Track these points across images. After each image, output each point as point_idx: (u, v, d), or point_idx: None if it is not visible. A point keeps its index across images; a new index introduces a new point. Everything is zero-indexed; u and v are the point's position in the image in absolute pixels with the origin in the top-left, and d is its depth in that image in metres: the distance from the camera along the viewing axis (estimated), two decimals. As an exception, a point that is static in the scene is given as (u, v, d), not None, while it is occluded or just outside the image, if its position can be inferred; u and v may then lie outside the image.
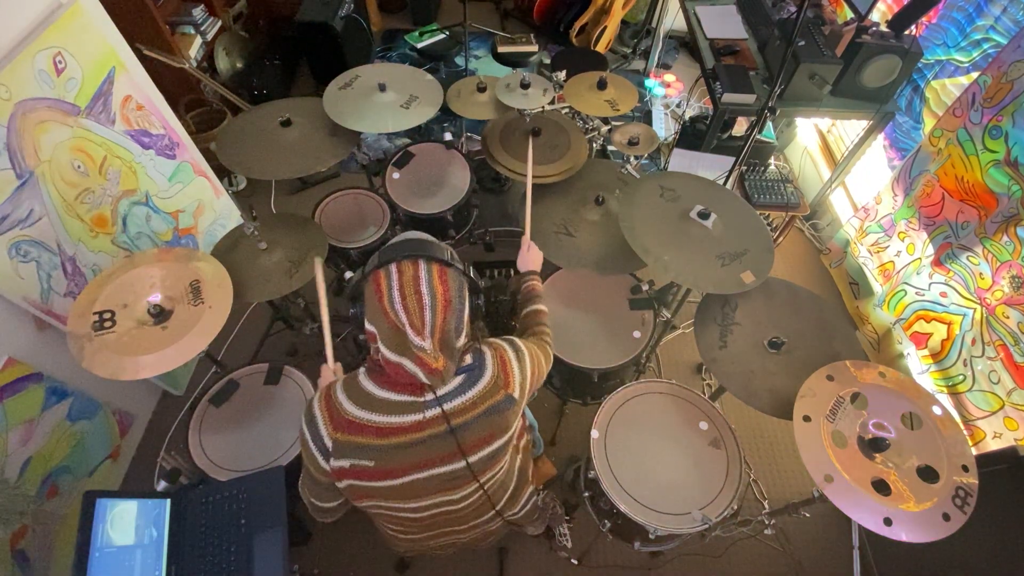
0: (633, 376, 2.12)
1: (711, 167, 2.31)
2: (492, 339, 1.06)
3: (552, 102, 2.15)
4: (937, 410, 1.30)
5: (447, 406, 0.94)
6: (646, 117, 3.52)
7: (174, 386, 2.25)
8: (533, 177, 1.88)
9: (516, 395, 1.00)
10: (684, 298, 2.11)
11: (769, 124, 2.56)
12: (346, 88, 1.93)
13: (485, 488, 1.05)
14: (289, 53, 3.46)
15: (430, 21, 3.99)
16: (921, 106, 2.30)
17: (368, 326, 0.93)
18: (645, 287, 1.87)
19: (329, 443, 0.94)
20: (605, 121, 2.50)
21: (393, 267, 0.90)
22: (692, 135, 2.59)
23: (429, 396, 0.93)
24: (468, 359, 0.98)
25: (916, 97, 2.32)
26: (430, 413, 0.94)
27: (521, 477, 1.24)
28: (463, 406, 0.95)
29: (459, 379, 0.96)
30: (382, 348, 0.91)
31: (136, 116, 1.99)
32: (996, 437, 1.73)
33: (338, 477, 0.96)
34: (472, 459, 0.98)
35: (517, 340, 1.07)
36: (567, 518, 1.92)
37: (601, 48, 3.70)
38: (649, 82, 3.68)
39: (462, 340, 0.95)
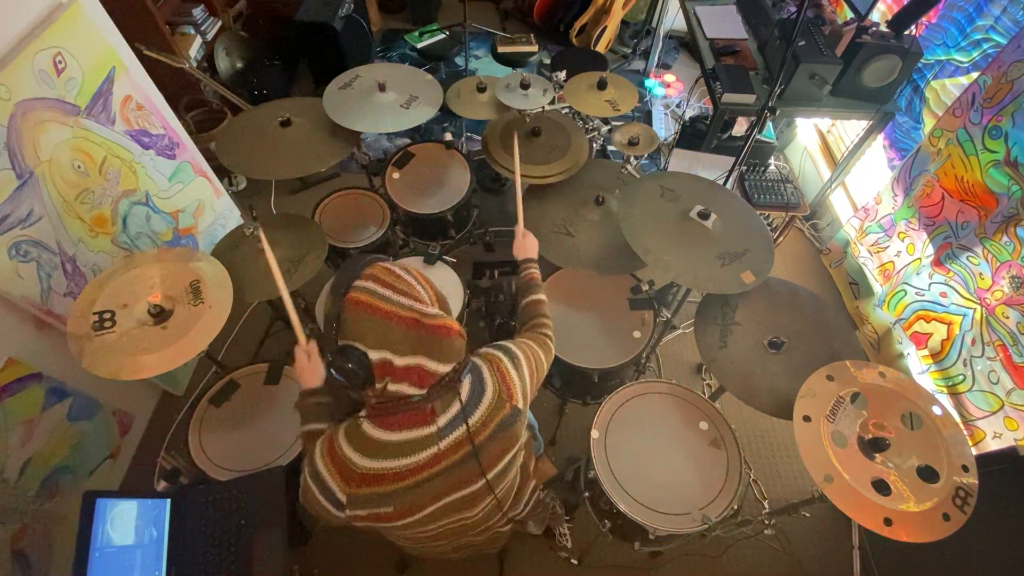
0: (633, 376, 2.12)
1: (711, 167, 2.31)
2: (484, 350, 1.03)
3: (552, 102, 2.14)
4: (937, 410, 1.30)
5: (460, 431, 0.92)
6: (646, 117, 3.52)
7: (174, 386, 2.25)
8: (536, 177, 1.89)
9: (521, 405, 1.00)
10: (684, 298, 2.11)
11: (769, 124, 2.56)
12: (346, 88, 1.93)
13: (498, 497, 1.05)
14: (289, 53, 3.46)
15: (430, 21, 3.99)
16: (921, 106, 2.30)
17: (375, 356, 0.86)
18: (645, 287, 1.87)
19: (343, 498, 0.90)
20: (605, 121, 2.50)
21: (360, 283, 0.87)
22: (692, 135, 2.59)
23: (442, 421, 0.91)
24: (466, 380, 0.96)
25: (916, 97, 2.32)
26: (445, 443, 0.92)
27: (523, 474, 1.24)
28: (474, 428, 0.93)
29: (467, 387, 0.95)
30: (398, 362, 0.86)
31: (136, 116, 1.99)
32: (996, 437, 1.73)
33: (354, 522, 0.94)
34: (490, 476, 0.98)
35: (511, 346, 1.05)
36: (567, 518, 1.91)
37: (601, 48, 3.70)
38: (649, 82, 3.69)
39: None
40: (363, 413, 0.94)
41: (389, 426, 0.90)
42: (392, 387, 0.88)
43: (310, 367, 1.16)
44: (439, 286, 0.99)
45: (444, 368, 0.90)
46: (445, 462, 0.93)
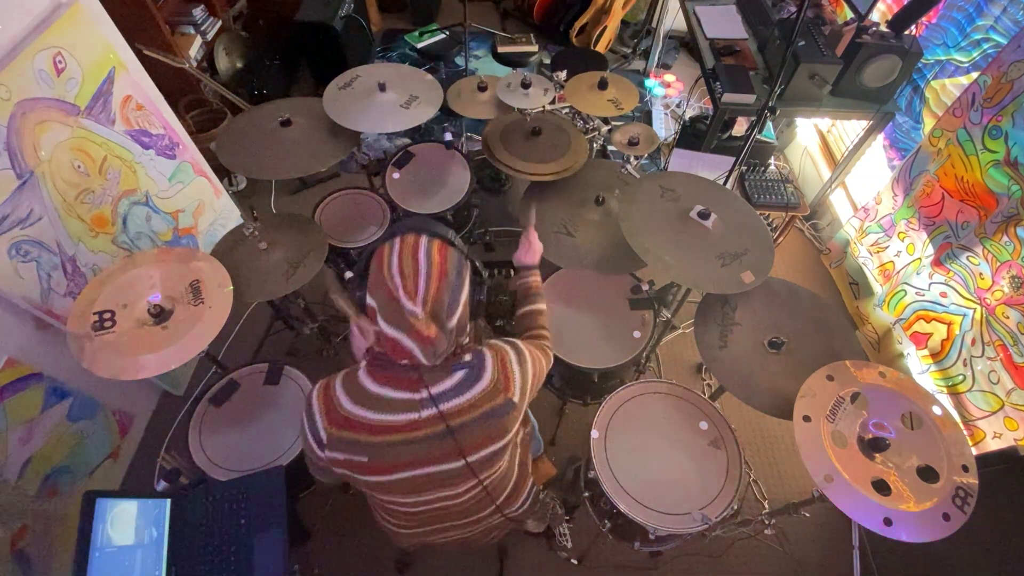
0: (633, 376, 2.12)
1: (711, 167, 2.31)
2: (493, 340, 1.05)
3: (552, 102, 2.15)
4: (937, 410, 1.30)
5: (444, 406, 0.93)
6: (646, 117, 3.52)
7: (174, 386, 2.25)
8: (536, 175, 1.89)
9: (516, 399, 0.99)
10: (684, 298, 2.11)
11: (769, 124, 2.56)
12: (346, 88, 1.93)
13: (485, 485, 1.05)
14: (289, 53, 3.46)
15: (430, 21, 3.99)
16: (921, 106, 2.30)
17: (369, 301, 0.92)
18: (645, 287, 1.87)
19: (324, 436, 0.94)
20: (605, 121, 2.50)
21: (397, 239, 0.92)
22: (692, 135, 2.59)
23: (424, 394, 0.93)
24: (467, 358, 0.97)
25: (916, 97, 2.32)
26: (426, 413, 0.93)
27: (521, 472, 1.23)
28: (460, 407, 0.94)
29: (458, 376, 0.95)
30: (381, 323, 0.90)
31: (136, 116, 1.99)
32: (996, 437, 1.73)
33: (333, 466, 0.97)
34: (471, 459, 0.98)
35: (519, 342, 1.06)
36: (567, 518, 1.92)
37: (601, 48, 3.70)
38: (649, 82, 3.69)
39: (454, 321, 0.92)
40: (366, 359, 0.98)
41: (379, 379, 0.94)
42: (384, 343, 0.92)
43: (363, 340, 1.21)
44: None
45: (422, 359, 0.91)
46: (424, 431, 0.94)
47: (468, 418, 0.95)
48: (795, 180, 2.53)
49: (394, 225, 0.97)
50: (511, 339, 1.07)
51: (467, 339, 1.00)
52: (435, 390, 0.93)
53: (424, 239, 0.91)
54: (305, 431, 0.97)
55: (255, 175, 1.84)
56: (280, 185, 3.04)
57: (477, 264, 1.02)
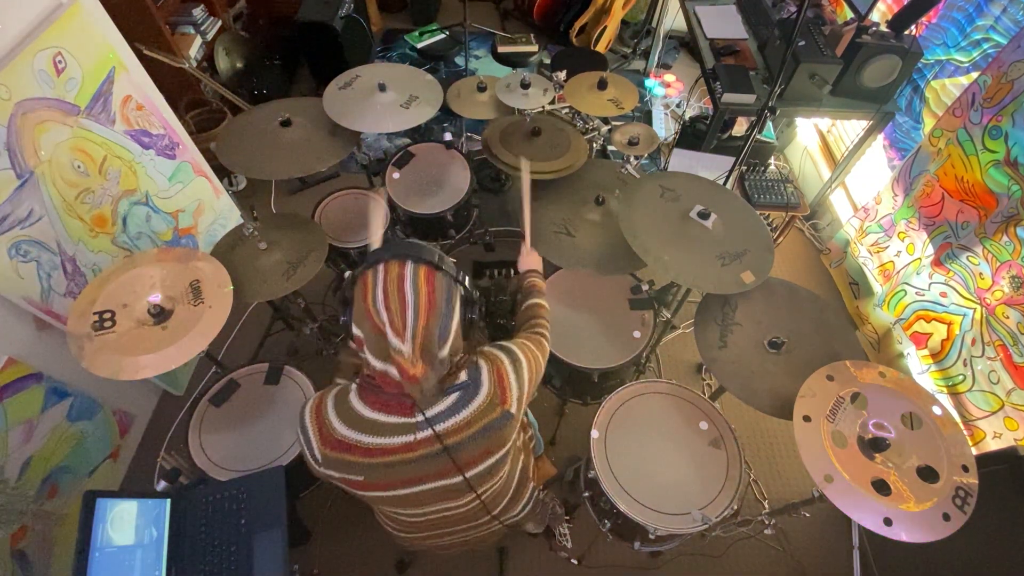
0: (633, 376, 2.12)
1: (711, 167, 2.31)
2: (488, 349, 1.02)
3: (552, 102, 2.14)
4: (937, 410, 1.30)
5: (439, 427, 0.91)
6: (646, 117, 3.52)
7: (174, 386, 2.25)
8: (533, 173, 1.89)
9: (513, 410, 0.97)
10: (684, 298, 2.11)
11: (769, 124, 2.56)
12: (346, 88, 1.93)
13: (482, 498, 1.05)
14: (289, 53, 3.46)
15: (430, 21, 3.99)
16: (921, 106, 2.30)
17: (355, 330, 0.90)
18: (645, 287, 1.87)
19: (319, 455, 0.93)
20: (605, 121, 2.50)
21: (380, 267, 0.88)
22: (692, 135, 2.59)
23: (419, 417, 0.91)
24: (463, 376, 0.95)
25: (916, 97, 2.32)
26: (422, 434, 0.91)
27: (522, 476, 1.23)
28: (456, 426, 0.92)
29: (452, 398, 0.93)
30: (368, 355, 0.89)
31: (136, 116, 1.99)
32: (996, 437, 1.73)
33: (329, 480, 0.96)
34: (469, 474, 0.97)
35: (514, 348, 1.04)
36: (567, 518, 1.91)
37: (601, 48, 3.70)
38: (649, 82, 3.69)
39: (446, 350, 0.91)
40: (358, 380, 0.96)
41: (371, 403, 0.92)
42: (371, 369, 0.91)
43: None
44: None
45: (410, 392, 0.89)
46: (420, 451, 0.92)
47: (465, 435, 0.93)
48: (795, 180, 2.53)
49: (376, 251, 0.93)
50: (505, 344, 1.05)
51: (460, 355, 0.97)
52: (430, 413, 0.91)
53: (409, 268, 0.88)
54: (302, 445, 0.96)
55: (255, 175, 1.84)
56: (280, 185, 3.05)
57: (467, 283, 0.98)
